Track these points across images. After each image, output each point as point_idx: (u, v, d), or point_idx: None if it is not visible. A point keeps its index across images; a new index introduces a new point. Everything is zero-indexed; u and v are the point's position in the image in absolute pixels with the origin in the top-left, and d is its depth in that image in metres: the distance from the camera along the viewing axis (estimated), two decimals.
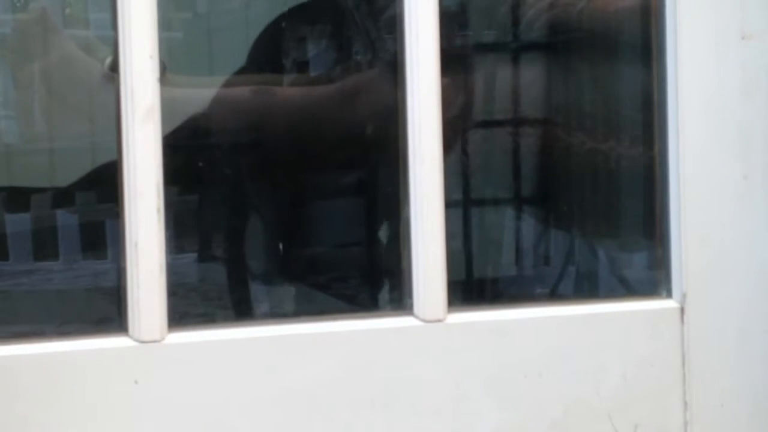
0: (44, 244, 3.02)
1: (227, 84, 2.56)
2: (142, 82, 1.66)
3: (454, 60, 2.48)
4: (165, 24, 1.71)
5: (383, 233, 2.44)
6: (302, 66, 2.67)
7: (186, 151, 2.38)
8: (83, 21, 2.86)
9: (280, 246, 2.67)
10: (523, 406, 1.81)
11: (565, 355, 1.82)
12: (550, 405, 1.82)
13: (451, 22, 2.46)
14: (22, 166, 2.57)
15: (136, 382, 1.66)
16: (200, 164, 2.51)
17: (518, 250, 2.58)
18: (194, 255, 2.80)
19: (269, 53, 2.58)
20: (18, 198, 2.80)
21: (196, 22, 2.78)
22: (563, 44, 2.48)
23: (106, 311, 2.37)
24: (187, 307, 2.32)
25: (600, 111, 2.42)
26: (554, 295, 2.44)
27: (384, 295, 2.27)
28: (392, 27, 1.90)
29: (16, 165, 2.57)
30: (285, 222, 2.70)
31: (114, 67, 1.72)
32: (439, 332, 1.78)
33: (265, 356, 1.71)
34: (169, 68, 1.90)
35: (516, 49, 2.55)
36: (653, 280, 1.93)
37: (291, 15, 2.60)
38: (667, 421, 1.86)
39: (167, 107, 1.70)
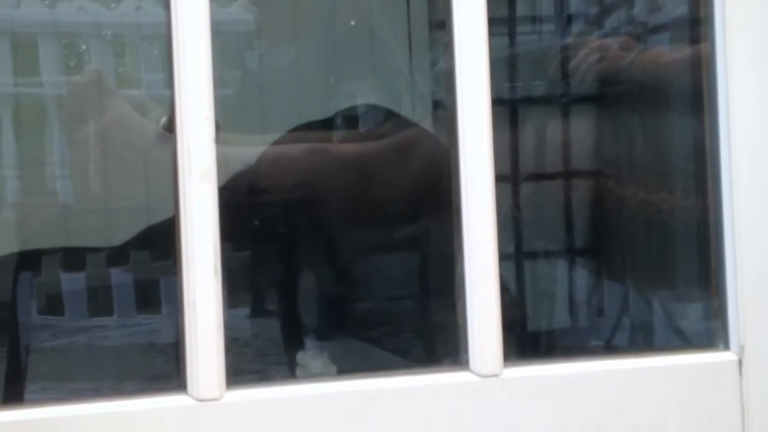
0: (99, 302, 3.04)
1: (280, 141, 2.57)
2: (198, 143, 1.67)
3: (506, 113, 2.49)
4: (216, 82, 1.71)
5: (437, 288, 2.43)
6: (352, 122, 2.68)
7: (241, 208, 2.39)
8: (136, 81, 2.89)
9: (335, 301, 2.68)
10: None
11: (621, 409, 1.81)
12: None
13: (501, 75, 2.47)
14: (78, 226, 2.59)
15: None
16: (255, 222, 2.52)
17: (572, 303, 2.57)
18: (248, 310, 2.81)
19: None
20: (74, 257, 2.83)
21: (247, 80, 2.80)
22: (613, 96, 2.48)
23: (162, 368, 2.39)
24: (243, 364, 2.32)
25: (652, 162, 2.41)
26: (609, 347, 2.43)
27: (439, 349, 2.26)
28: (444, 80, 1.91)
29: (72, 225, 2.59)
30: (339, 278, 2.70)
31: (169, 128, 1.73)
32: (496, 387, 1.77)
33: (322, 414, 1.71)
34: (222, 127, 1.91)
35: (566, 102, 2.55)
36: (710, 331, 1.92)
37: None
38: None
39: (221, 166, 1.71)
